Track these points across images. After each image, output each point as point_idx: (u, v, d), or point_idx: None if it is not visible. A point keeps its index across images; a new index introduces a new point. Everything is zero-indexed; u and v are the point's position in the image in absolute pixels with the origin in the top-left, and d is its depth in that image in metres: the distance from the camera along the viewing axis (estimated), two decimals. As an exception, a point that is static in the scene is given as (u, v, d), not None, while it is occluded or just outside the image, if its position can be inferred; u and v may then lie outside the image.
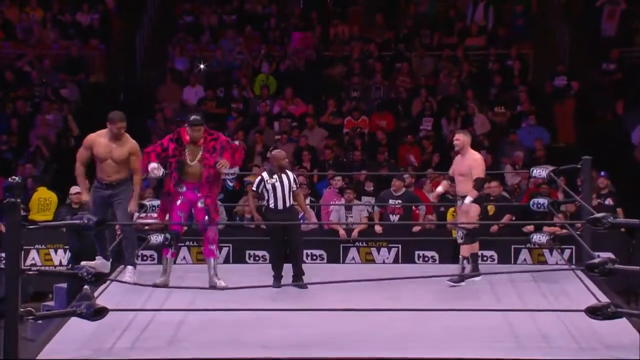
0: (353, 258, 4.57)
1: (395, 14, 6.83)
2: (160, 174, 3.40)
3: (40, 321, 2.80)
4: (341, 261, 4.55)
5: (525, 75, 6.31)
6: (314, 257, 4.48)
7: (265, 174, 3.63)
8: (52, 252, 4.77)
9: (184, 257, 4.63)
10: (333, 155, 5.53)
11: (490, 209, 4.51)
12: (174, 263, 3.53)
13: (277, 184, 3.58)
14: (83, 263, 3.00)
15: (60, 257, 4.75)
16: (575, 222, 4.11)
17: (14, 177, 2.63)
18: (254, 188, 3.63)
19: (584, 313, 2.61)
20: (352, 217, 4.70)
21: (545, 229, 4.18)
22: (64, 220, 4.00)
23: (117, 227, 3.44)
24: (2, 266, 2.53)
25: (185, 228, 3.72)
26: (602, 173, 4.63)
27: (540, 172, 3.94)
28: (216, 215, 3.27)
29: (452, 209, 4.32)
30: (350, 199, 4.65)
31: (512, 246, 4.47)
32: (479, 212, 3.55)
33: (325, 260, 4.55)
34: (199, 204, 3.16)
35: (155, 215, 4.18)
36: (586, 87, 6.08)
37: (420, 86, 6.16)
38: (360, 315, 2.95)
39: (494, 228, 4.48)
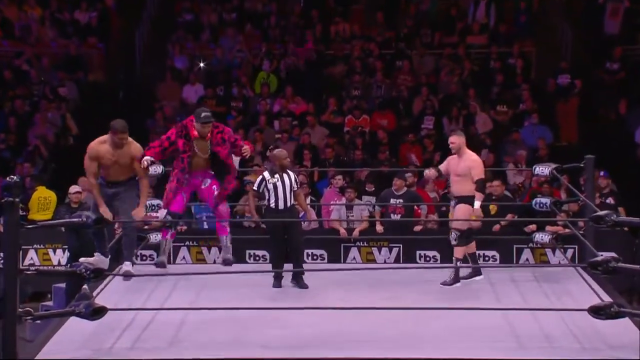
0: (354, 258, 4.55)
1: (395, 13, 6.79)
2: (160, 171, 3.37)
3: (38, 321, 2.81)
4: (342, 261, 4.53)
5: (528, 73, 6.28)
6: (315, 257, 4.46)
7: (266, 174, 3.63)
8: (50, 251, 4.75)
9: (184, 257, 4.61)
10: (334, 154, 5.50)
11: (492, 208, 4.49)
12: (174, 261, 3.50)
13: (279, 184, 3.57)
14: (82, 259, 2.98)
15: (59, 256, 4.73)
16: (578, 219, 4.09)
17: (12, 176, 2.61)
18: (255, 187, 3.62)
19: (586, 313, 2.60)
20: (352, 216, 4.68)
21: (548, 228, 4.19)
22: (62, 219, 3.97)
23: (116, 225, 3.42)
24: (1, 266, 2.52)
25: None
26: (602, 173, 4.59)
27: (543, 169, 3.94)
28: (224, 191, 3.20)
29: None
30: (351, 199, 4.63)
31: (514, 246, 4.44)
32: (470, 213, 3.54)
33: (325, 260, 4.52)
34: (203, 185, 3.12)
35: (155, 214, 4.15)
36: (589, 85, 6.05)
37: (422, 84, 6.13)
38: (360, 315, 2.94)
39: (496, 227, 4.46)
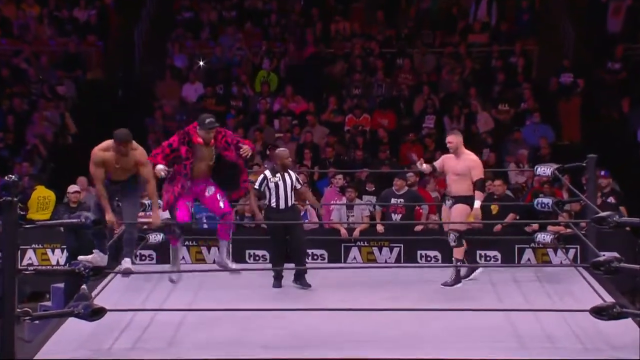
0: (354, 258, 4.53)
1: (396, 11, 6.77)
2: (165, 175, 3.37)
3: (37, 321, 2.84)
4: (342, 261, 4.52)
5: (529, 72, 6.26)
6: (315, 257, 4.44)
7: (268, 172, 3.62)
8: (49, 251, 4.73)
9: (183, 257, 4.59)
10: (334, 154, 5.48)
11: (494, 208, 4.48)
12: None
13: (280, 183, 3.57)
14: (80, 258, 2.97)
15: (57, 256, 4.71)
16: (580, 221, 4.08)
17: (10, 175, 2.59)
18: (256, 186, 3.61)
19: (588, 313, 2.59)
20: (353, 216, 4.66)
21: (550, 228, 4.17)
22: (61, 219, 3.95)
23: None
24: (-1, 266, 2.50)
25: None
26: (603, 172, 4.56)
27: (545, 169, 3.93)
28: (242, 191, 3.14)
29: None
30: (351, 198, 4.61)
31: (516, 246, 4.42)
32: (468, 213, 3.52)
33: (326, 260, 4.51)
34: (207, 193, 3.08)
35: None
36: (591, 84, 6.02)
37: (422, 83, 6.11)
38: (361, 315, 2.94)
39: (498, 228, 4.44)
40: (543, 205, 3.85)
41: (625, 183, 4.99)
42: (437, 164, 3.63)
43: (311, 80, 6.25)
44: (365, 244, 4.52)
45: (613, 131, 5.76)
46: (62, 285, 3.71)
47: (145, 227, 3.69)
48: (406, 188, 4.50)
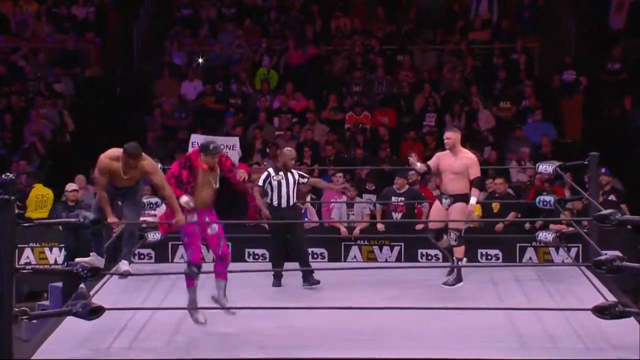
0: (355, 256, 4.50)
1: (396, 7, 6.73)
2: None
3: (35, 321, 2.87)
4: (342, 259, 4.49)
5: (531, 69, 6.23)
6: (315, 256, 4.40)
7: (271, 170, 3.61)
8: (47, 250, 4.69)
9: (182, 256, 4.56)
10: (334, 152, 5.45)
11: (495, 206, 4.47)
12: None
13: (283, 181, 3.56)
14: (77, 259, 2.92)
15: (55, 255, 4.67)
16: (582, 219, 4.06)
17: (7, 173, 2.56)
18: (260, 184, 3.60)
19: (590, 312, 2.58)
20: (353, 214, 4.64)
21: (552, 226, 4.16)
22: (59, 218, 3.93)
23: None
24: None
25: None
26: (603, 170, 4.54)
27: (547, 167, 3.92)
28: (225, 241, 3.04)
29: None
30: (352, 197, 4.60)
31: (517, 244, 4.40)
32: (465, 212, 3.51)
33: (326, 259, 4.48)
34: (210, 231, 2.97)
35: (152, 212, 4.07)
36: (593, 82, 5.99)
37: (423, 81, 6.07)
38: (361, 314, 2.93)
39: (499, 226, 4.42)
40: (545, 203, 3.83)
41: (627, 181, 4.97)
42: (431, 163, 3.59)
43: (311, 77, 6.22)
44: (366, 242, 4.50)
45: (615, 129, 5.75)
46: (60, 284, 3.69)
47: (144, 225, 3.64)
48: (407, 186, 4.48)
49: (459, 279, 3.52)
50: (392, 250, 4.47)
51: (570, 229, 4.13)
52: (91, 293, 3.02)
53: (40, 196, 4.88)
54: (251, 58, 6.42)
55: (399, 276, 3.62)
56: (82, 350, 2.69)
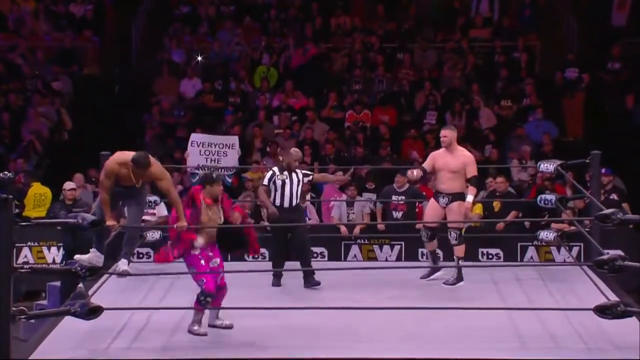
0: (355, 256, 4.49)
1: (397, 5, 6.71)
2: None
3: (33, 320, 2.79)
4: (342, 259, 4.48)
5: (532, 67, 6.22)
6: (315, 255, 4.38)
7: (276, 169, 3.58)
8: (45, 249, 4.68)
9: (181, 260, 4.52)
10: (334, 150, 5.43)
11: (496, 205, 4.46)
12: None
13: (287, 181, 3.54)
14: (76, 257, 2.91)
15: (53, 254, 4.67)
16: (584, 218, 4.05)
17: (5, 172, 2.53)
18: (265, 183, 3.58)
19: (592, 312, 2.58)
20: (353, 213, 4.62)
21: (553, 225, 4.14)
22: (57, 216, 3.91)
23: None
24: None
25: None
26: (604, 170, 4.51)
27: (548, 166, 3.90)
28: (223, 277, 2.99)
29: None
30: (352, 195, 4.58)
31: (519, 243, 4.39)
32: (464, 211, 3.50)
33: (326, 258, 4.46)
34: (211, 264, 2.88)
35: (152, 210, 4.04)
36: (595, 80, 5.97)
37: (424, 79, 6.06)
38: (361, 314, 2.93)
39: (500, 225, 4.41)
40: (546, 202, 3.81)
41: (629, 180, 4.95)
42: (426, 164, 3.57)
43: (311, 75, 6.19)
44: (366, 241, 4.48)
45: (617, 127, 5.72)
46: (58, 283, 3.67)
47: (142, 224, 3.60)
48: (407, 185, 4.46)
49: (459, 278, 3.51)
50: (392, 249, 4.46)
51: (572, 228, 4.10)
52: (90, 293, 3.00)
53: (38, 195, 4.87)
54: (250, 56, 6.39)
55: (399, 276, 3.61)
56: (81, 350, 2.67)
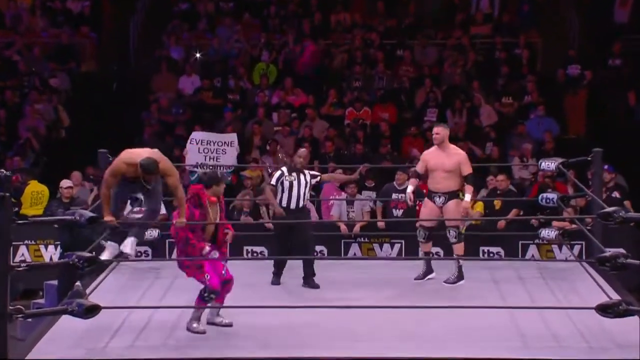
0: (355, 254, 4.49)
1: (396, 3, 6.69)
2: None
3: (30, 319, 2.82)
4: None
5: (534, 64, 6.19)
6: (314, 253, 4.36)
7: (285, 169, 3.56)
8: (42, 247, 4.66)
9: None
10: (334, 148, 5.40)
11: (497, 203, 4.45)
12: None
13: (295, 182, 3.51)
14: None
15: (50, 253, 4.64)
16: (585, 216, 4.03)
17: (2, 170, 2.51)
18: (272, 182, 3.55)
19: (594, 311, 2.56)
20: (353, 211, 4.60)
21: (554, 223, 4.14)
22: (54, 214, 3.87)
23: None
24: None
25: None
26: (606, 167, 4.49)
27: (549, 164, 3.88)
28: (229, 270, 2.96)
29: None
30: (352, 193, 4.55)
31: (520, 242, 4.37)
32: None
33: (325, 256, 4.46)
34: (211, 257, 2.84)
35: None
36: (597, 77, 5.94)
37: (424, 76, 6.03)
38: (361, 313, 2.92)
39: (501, 224, 4.39)
40: (548, 200, 3.79)
41: (631, 177, 4.93)
42: (419, 167, 3.53)
43: (311, 72, 6.16)
44: (366, 240, 4.47)
45: (619, 125, 5.70)
46: (55, 282, 3.64)
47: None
48: (407, 182, 4.46)
49: (460, 277, 3.49)
50: (392, 247, 4.45)
51: (574, 226, 4.09)
52: (87, 291, 2.96)
53: (35, 193, 4.85)
54: (249, 53, 6.36)
55: (399, 275, 3.59)
56: (78, 349, 2.66)
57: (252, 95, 6.03)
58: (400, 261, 4.20)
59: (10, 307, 2.41)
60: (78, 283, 2.94)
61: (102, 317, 2.57)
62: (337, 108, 5.89)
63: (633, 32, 6.10)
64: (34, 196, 4.83)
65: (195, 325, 2.81)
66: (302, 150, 3.63)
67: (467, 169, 3.43)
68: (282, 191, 3.50)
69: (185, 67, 6.25)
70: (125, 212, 3.23)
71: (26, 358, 2.56)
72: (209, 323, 2.86)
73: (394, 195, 4.40)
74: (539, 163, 3.94)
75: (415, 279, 3.51)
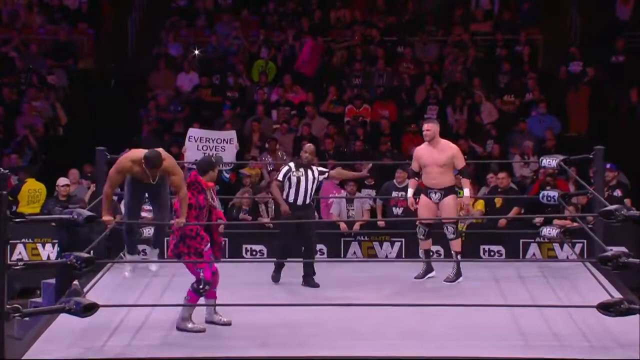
0: (354, 252, 4.47)
1: (397, 0, 6.66)
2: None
3: (27, 318, 2.80)
4: (342, 255, 4.46)
5: (535, 61, 6.17)
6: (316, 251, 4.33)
7: (292, 165, 3.53)
8: (39, 246, 4.64)
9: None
10: (334, 145, 5.38)
11: (498, 201, 4.44)
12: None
13: (302, 178, 3.47)
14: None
15: (48, 251, 4.63)
16: (587, 214, 4.01)
17: (-1, 168, 2.48)
18: (279, 178, 3.52)
19: (595, 309, 2.57)
20: (353, 209, 4.57)
21: (556, 222, 4.11)
22: (51, 213, 3.84)
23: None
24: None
25: None
26: (609, 165, 4.47)
27: (550, 161, 3.87)
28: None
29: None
30: (352, 191, 4.53)
31: (521, 240, 4.36)
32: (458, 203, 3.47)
33: (325, 255, 4.43)
34: (205, 249, 2.86)
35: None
36: (599, 74, 5.92)
37: (425, 73, 6.01)
38: (361, 311, 2.92)
39: (502, 222, 4.37)
40: (549, 198, 3.78)
41: (633, 175, 4.92)
42: (414, 166, 3.51)
43: (310, 70, 6.13)
44: (366, 238, 4.45)
45: (621, 122, 5.69)
46: (53, 281, 3.61)
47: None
48: (407, 180, 4.43)
49: (459, 274, 3.48)
50: (392, 246, 4.43)
51: (575, 224, 4.07)
52: (85, 290, 2.95)
53: (32, 191, 4.83)
54: (248, 50, 6.34)
55: (400, 273, 3.57)
56: (76, 348, 2.64)
57: (251, 92, 6.01)
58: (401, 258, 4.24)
59: (8, 306, 2.40)
60: (76, 282, 2.93)
61: (100, 315, 2.57)
62: (336, 105, 5.87)
63: (636, 29, 6.09)
64: (31, 194, 4.81)
65: (190, 325, 2.79)
66: (309, 145, 3.57)
67: (461, 162, 3.42)
68: (290, 187, 3.45)
69: (183, 64, 6.22)
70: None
71: (24, 357, 2.54)
72: (207, 322, 2.85)
73: (394, 193, 4.40)
74: (540, 160, 3.93)
75: (415, 277, 3.50)
